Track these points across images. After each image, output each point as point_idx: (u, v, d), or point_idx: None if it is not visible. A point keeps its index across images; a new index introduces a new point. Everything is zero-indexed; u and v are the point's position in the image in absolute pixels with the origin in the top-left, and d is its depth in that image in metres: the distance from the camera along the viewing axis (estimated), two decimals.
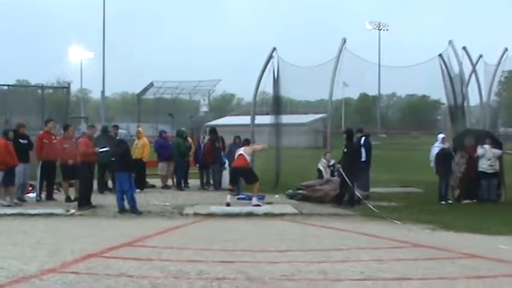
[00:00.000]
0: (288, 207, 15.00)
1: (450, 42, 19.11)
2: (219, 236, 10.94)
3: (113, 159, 14.85)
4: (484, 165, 16.24)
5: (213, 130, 19.84)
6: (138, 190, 16.06)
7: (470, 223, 12.60)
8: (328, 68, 19.27)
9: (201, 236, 11.11)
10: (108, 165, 16.68)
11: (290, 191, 17.10)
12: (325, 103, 24.64)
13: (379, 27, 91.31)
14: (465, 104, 18.82)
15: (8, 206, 14.44)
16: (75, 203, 14.73)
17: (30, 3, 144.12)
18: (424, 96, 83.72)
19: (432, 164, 16.79)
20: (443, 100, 23.28)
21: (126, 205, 14.06)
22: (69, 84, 30.22)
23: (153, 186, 19.38)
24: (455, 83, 19.04)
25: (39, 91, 22.45)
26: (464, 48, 20.20)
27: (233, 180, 16.20)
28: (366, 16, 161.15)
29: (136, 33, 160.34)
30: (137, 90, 69.99)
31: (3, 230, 11.55)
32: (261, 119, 22.41)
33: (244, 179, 16.21)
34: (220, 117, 70.11)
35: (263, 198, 16.15)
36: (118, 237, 10.48)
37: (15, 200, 14.93)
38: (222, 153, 18.99)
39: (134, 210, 13.93)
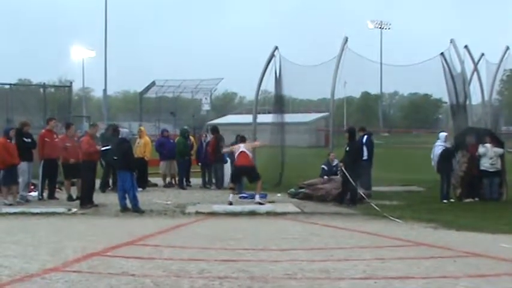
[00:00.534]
0: (290, 206, 15.00)
1: (452, 40, 19.09)
2: (221, 235, 10.94)
3: (115, 157, 14.86)
4: (485, 164, 16.21)
5: (216, 128, 19.84)
6: (140, 189, 16.09)
7: (472, 222, 12.59)
8: (330, 66, 19.26)
9: (203, 234, 11.11)
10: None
11: (292, 189, 17.09)
12: (327, 102, 24.66)
13: (381, 25, 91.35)
14: (467, 103, 18.81)
15: (10, 205, 14.46)
16: (77, 202, 14.75)
17: (31, 2, 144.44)
18: (426, 94, 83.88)
19: (433, 163, 16.73)
20: (445, 99, 23.27)
21: (128, 204, 14.07)
22: (71, 83, 30.11)
23: (155, 185, 19.40)
24: (457, 82, 19.03)
25: (41, 90, 22.41)
26: (466, 46, 20.19)
27: (236, 179, 16.20)
28: (368, 15, 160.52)
29: (138, 31, 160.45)
30: (139, 89, 70.12)
31: (5, 228, 11.57)
32: (263, 118, 22.43)
33: (248, 177, 16.22)
34: (222, 115, 70.08)
35: (265, 197, 16.16)
36: (120, 236, 10.49)
37: (18, 199, 14.95)
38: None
39: (136, 209, 13.94)
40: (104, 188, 17.62)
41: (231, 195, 15.26)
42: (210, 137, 19.65)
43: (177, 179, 19.54)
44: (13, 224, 12.24)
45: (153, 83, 64.36)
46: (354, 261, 8.54)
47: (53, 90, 26.42)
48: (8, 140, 14.84)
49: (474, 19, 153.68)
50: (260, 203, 14.93)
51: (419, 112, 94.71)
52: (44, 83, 24.86)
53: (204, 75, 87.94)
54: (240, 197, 16.29)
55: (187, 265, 8.17)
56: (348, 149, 15.84)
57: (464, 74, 19.32)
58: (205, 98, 57.58)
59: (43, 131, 16.30)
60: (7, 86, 22.81)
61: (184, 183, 19.31)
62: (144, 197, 15.39)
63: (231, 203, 14.86)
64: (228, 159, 18.47)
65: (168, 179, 19.72)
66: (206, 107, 56.85)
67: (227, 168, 18.60)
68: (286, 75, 20.17)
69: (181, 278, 7.49)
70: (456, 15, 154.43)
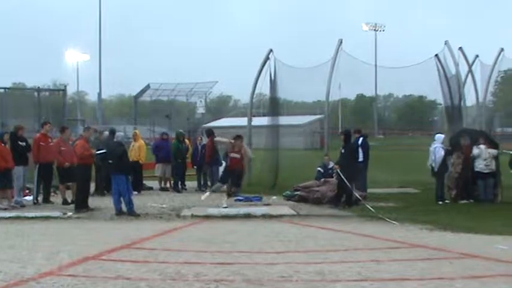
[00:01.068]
0: (286, 209, 15.00)
1: (446, 42, 19.17)
2: (217, 238, 10.93)
3: (110, 161, 14.82)
4: (480, 165, 16.24)
5: (211, 131, 19.82)
6: (135, 192, 16.05)
7: (468, 223, 12.62)
8: (324, 69, 19.31)
9: (198, 238, 11.10)
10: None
11: (288, 192, 17.09)
12: (322, 104, 24.66)
13: (376, 28, 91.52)
14: (462, 104, 18.86)
15: (5, 209, 14.41)
16: (72, 206, 14.70)
17: (25, 6, 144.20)
18: (420, 96, 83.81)
19: (434, 164, 16.59)
20: (440, 100, 23.37)
21: (123, 207, 14.04)
22: (65, 86, 30.07)
23: (151, 188, 19.37)
24: (451, 84, 19.11)
25: (36, 94, 22.39)
26: (460, 48, 20.28)
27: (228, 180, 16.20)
28: (363, 17, 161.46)
29: (132, 35, 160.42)
30: (134, 92, 70.00)
31: (0, 233, 11.53)
32: (258, 121, 22.43)
33: (238, 180, 16.19)
34: (217, 119, 70.05)
35: (260, 200, 16.16)
36: (115, 240, 10.47)
37: (13, 203, 14.90)
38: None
39: (131, 213, 13.91)
40: (100, 191, 17.50)
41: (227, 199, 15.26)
42: (205, 140, 19.64)
43: (172, 182, 19.52)
44: (8, 228, 12.18)
45: (147, 87, 64.26)
46: (349, 263, 8.55)
47: (47, 94, 26.41)
48: (3, 144, 14.80)
49: (468, 21, 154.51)
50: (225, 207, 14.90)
51: (414, 114, 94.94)
52: (38, 87, 24.91)
53: (199, 78, 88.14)
54: (236, 200, 16.28)
55: (182, 268, 8.16)
56: (343, 151, 15.86)
57: (459, 75, 19.40)
58: (200, 101, 57.52)
59: (38, 135, 16.23)
60: (1, 90, 22.77)
61: (180, 186, 19.28)
62: (139, 201, 15.37)
63: (226, 207, 14.85)
64: (223, 162, 18.46)
65: (162, 183, 19.67)
66: (201, 110, 56.77)
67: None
68: (281, 78, 20.21)
69: (176, 282, 7.48)
70: (450, 17, 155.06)
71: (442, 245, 10.07)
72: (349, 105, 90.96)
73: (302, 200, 16.30)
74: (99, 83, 57.02)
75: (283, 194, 17.17)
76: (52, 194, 16.40)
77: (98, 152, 15.60)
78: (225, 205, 15.00)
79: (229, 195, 15.67)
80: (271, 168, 19.78)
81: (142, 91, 65.37)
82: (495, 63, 23.43)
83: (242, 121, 26.98)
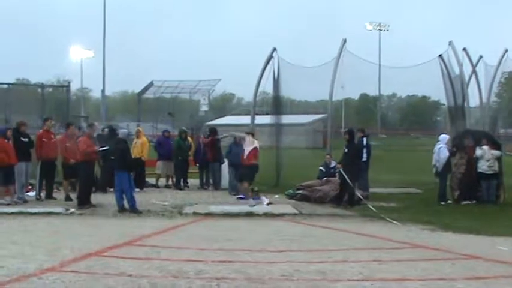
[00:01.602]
0: (288, 208, 15.00)
1: (450, 43, 19.13)
2: (219, 236, 10.93)
3: (112, 157, 14.84)
4: (483, 166, 16.22)
5: (214, 130, 19.81)
6: (137, 189, 16.07)
7: (470, 224, 12.61)
8: (328, 68, 19.31)
9: (200, 235, 11.11)
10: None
11: (290, 191, 17.09)
12: (325, 103, 24.68)
13: (380, 27, 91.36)
14: (465, 105, 18.82)
15: (8, 204, 14.44)
16: (75, 202, 14.73)
17: (30, 2, 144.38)
18: (424, 97, 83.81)
19: (438, 164, 16.56)
20: (444, 101, 23.28)
21: (126, 204, 14.06)
22: (69, 83, 30.20)
23: (154, 186, 19.37)
24: (455, 84, 19.07)
25: (39, 90, 22.41)
26: (464, 49, 20.25)
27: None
28: (367, 16, 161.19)
29: (136, 31, 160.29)
30: (137, 89, 70.05)
31: (2, 228, 11.57)
32: (261, 119, 22.41)
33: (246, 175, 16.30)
34: (221, 116, 70.02)
35: (258, 199, 16.17)
36: (117, 237, 10.49)
37: (15, 199, 14.93)
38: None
39: (134, 210, 13.93)
40: (103, 188, 17.50)
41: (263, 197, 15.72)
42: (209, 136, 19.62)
43: (174, 179, 19.53)
44: (10, 223, 12.21)
45: (151, 84, 64.29)
46: (351, 263, 8.55)
47: (51, 90, 26.49)
48: (6, 140, 14.82)
49: (473, 21, 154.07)
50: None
51: (417, 114, 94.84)
52: (42, 83, 24.89)
53: (202, 75, 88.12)
54: (238, 198, 16.30)
55: (184, 266, 8.17)
56: (346, 150, 15.85)
57: (463, 76, 19.36)
58: (204, 99, 57.44)
59: (40, 131, 16.20)
60: (5, 86, 22.80)
61: (182, 184, 19.29)
62: (141, 198, 15.38)
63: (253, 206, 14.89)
64: (225, 160, 18.48)
65: (164, 180, 19.67)
66: (204, 107, 56.67)
67: (224, 169, 18.60)
68: (285, 77, 20.21)
69: (178, 279, 7.48)
70: (455, 17, 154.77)
71: (444, 246, 10.07)
72: (352, 104, 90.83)
73: (304, 199, 16.30)
74: (103, 80, 56.93)
75: (286, 192, 17.18)
76: (55, 190, 16.43)
77: (101, 148, 15.62)
78: (267, 201, 15.29)
79: (252, 191, 15.74)
80: (274, 167, 19.78)
81: (146, 88, 65.41)
82: (499, 64, 23.37)
83: (245, 119, 26.98)
